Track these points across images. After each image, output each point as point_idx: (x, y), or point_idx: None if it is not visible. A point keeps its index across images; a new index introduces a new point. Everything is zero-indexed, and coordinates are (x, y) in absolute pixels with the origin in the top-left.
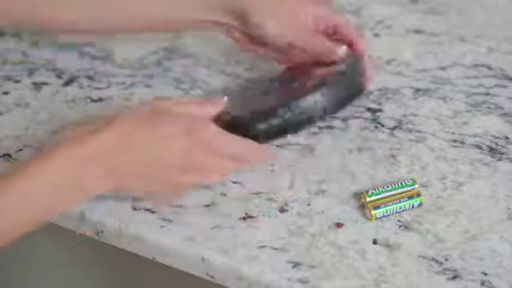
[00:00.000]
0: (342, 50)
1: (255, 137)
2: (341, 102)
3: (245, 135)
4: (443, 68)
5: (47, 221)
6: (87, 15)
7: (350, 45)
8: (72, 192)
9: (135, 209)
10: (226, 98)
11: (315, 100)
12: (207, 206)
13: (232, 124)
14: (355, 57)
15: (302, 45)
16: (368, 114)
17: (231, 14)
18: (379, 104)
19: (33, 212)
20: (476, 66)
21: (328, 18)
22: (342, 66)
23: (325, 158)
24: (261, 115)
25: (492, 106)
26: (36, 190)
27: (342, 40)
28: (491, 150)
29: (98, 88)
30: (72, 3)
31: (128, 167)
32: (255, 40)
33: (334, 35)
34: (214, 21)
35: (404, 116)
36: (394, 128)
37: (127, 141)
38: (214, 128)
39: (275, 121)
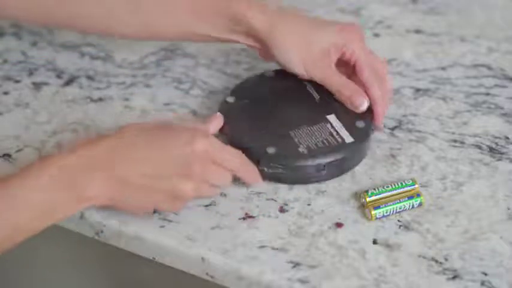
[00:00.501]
0: (365, 105)
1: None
2: (341, 172)
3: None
4: (443, 68)
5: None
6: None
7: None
8: (69, 203)
9: None
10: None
11: (315, 166)
12: (207, 206)
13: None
14: (369, 126)
15: (327, 85)
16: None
17: (253, 39)
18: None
19: (30, 220)
20: (476, 66)
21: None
22: (350, 139)
23: None
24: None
25: (492, 106)
26: (32, 199)
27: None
28: (491, 150)
29: (98, 88)
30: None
31: (128, 176)
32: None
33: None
34: (236, 41)
35: (404, 116)
36: (394, 128)
37: (128, 150)
38: (214, 140)
39: (270, 170)
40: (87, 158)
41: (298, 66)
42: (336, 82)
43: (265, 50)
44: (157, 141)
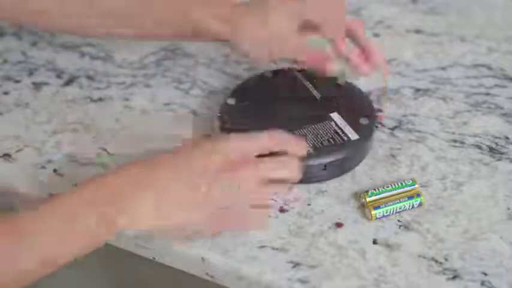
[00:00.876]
0: (339, 64)
1: None
2: (342, 171)
3: None
4: (443, 68)
5: None
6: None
7: (365, 56)
8: (105, 232)
9: None
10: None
11: (322, 165)
12: None
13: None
14: (372, 122)
15: (298, 55)
16: None
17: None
18: (379, 104)
19: (62, 251)
20: (476, 66)
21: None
22: (355, 136)
23: None
24: None
25: (492, 106)
26: (66, 231)
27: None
28: (491, 150)
29: (98, 88)
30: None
31: (168, 194)
32: None
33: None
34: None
35: (404, 116)
36: (394, 128)
37: (150, 178)
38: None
39: None
40: (111, 188)
41: (259, 52)
42: (294, 51)
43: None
44: (176, 168)
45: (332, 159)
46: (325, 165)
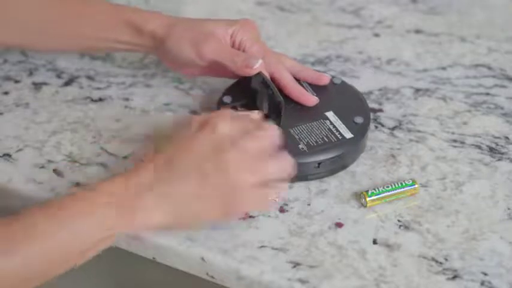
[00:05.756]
0: (259, 62)
1: None
2: (342, 167)
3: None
4: (443, 68)
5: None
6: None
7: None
8: (119, 226)
9: None
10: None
11: (315, 163)
12: None
13: None
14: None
15: (221, 59)
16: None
17: (153, 42)
18: (379, 104)
19: (79, 246)
20: (476, 66)
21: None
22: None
23: None
24: None
25: (492, 106)
26: (82, 224)
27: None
28: (491, 150)
29: (98, 88)
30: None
31: (179, 190)
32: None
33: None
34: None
35: (404, 116)
36: (394, 128)
37: (171, 165)
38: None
39: None
40: (134, 182)
41: (190, 51)
42: (229, 53)
43: (162, 51)
44: (182, 142)
45: (326, 157)
46: (319, 163)
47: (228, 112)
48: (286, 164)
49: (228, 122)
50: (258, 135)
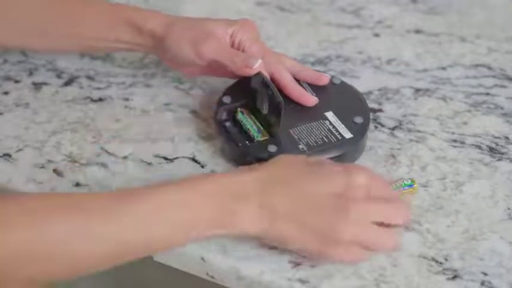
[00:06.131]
0: (258, 62)
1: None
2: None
3: None
4: (443, 68)
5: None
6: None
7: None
8: (214, 223)
9: None
10: None
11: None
12: None
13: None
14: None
15: (220, 59)
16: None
17: (153, 40)
18: (379, 104)
19: (164, 235)
20: (476, 66)
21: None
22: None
23: None
24: None
25: (492, 106)
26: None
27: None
28: (491, 150)
29: (98, 88)
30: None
31: (280, 207)
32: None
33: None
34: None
35: (404, 116)
36: (394, 128)
37: (281, 181)
38: (371, 172)
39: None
40: (240, 184)
41: (189, 50)
42: (229, 53)
43: (162, 50)
44: (312, 175)
45: (326, 158)
46: None
47: (369, 170)
48: (389, 243)
49: (369, 176)
50: (390, 208)
